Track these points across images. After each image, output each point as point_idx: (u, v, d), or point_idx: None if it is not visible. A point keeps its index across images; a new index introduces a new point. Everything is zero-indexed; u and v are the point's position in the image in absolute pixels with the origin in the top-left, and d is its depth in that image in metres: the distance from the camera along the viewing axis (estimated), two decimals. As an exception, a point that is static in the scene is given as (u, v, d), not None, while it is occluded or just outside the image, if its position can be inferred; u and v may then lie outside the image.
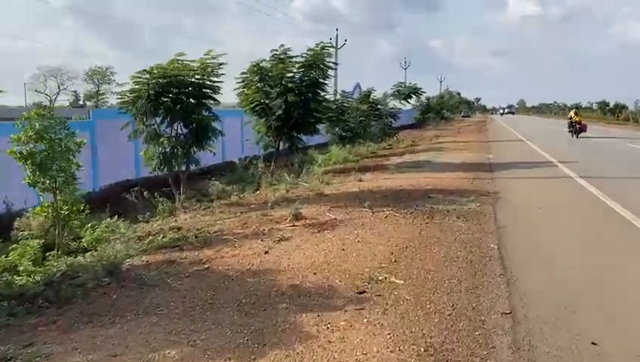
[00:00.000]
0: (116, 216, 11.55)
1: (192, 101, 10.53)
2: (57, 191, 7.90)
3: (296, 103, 15.14)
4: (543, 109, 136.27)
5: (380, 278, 5.14)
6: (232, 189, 12.74)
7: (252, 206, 10.15)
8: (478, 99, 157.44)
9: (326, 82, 16.18)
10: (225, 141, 20.49)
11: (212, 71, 10.88)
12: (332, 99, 22.34)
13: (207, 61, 10.78)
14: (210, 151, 11.35)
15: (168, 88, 10.17)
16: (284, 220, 8.28)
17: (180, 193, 10.96)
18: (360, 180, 12.83)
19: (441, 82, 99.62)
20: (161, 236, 7.92)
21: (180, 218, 9.74)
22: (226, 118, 20.36)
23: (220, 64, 10.95)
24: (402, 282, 5.03)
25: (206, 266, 5.86)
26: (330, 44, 15.87)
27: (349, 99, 23.97)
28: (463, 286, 4.97)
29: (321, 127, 24.05)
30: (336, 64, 16.07)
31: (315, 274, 5.35)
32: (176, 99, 10.45)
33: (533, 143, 24.29)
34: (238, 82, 15.67)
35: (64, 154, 7.87)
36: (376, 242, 6.62)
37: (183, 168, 10.89)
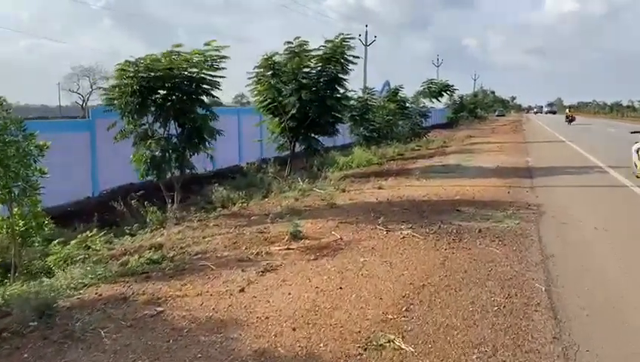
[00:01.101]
0: (96, 228, 10.42)
1: (186, 98, 9.23)
2: (13, 203, 6.75)
3: (312, 101, 13.74)
4: (581, 108, 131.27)
5: (382, 341, 3.68)
6: (237, 196, 11.48)
7: (253, 218, 8.82)
8: (513, 98, 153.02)
9: (346, 77, 14.71)
10: (242, 141, 19.38)
11: (212, 64, 9.57)
12: (355, 96, 20.84)
13: (208, 53, 9.48)
14: (208, 154, 10.05)
15: (158, 83, 8.91)
16: (281, 240, 6.89)
17: (172, 202, 9.70)
18: (380, 187, 11.34)
19: (474, 80, 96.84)
20: (137, 256, 6.65)
21: (168, 232, 8.47)
22: (244, 116, 19.24)
23: (222, 57, 9.64)
24: (412, 350, 3.56)
25: (160, 309, 4.51)
26: (350, 36, 14.38)
27: (375, 97, 22.34)
28: (499, 359, 3.46)
29: (344, 127, 22.84)
30: (356, 57, 14.53)
31: (294, 330, 3.92)
32: (168, 95, 9.19)
33: (575, 144, 22.23)
34: (250, 77, 14.39)
35: (22, 160, 6.70)
36: (385, 277, 5.15)
37: (177, 173, 9.61)
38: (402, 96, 27.35)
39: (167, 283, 5.38)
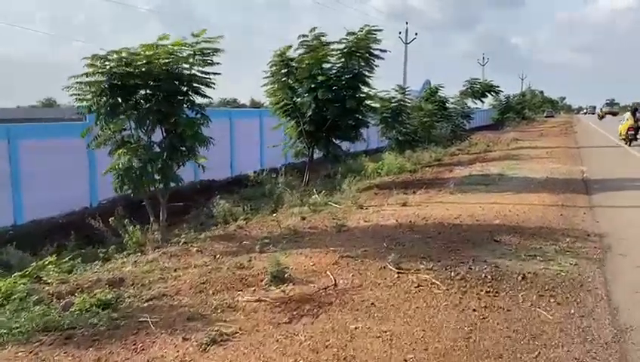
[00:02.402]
0: (71, 249, 9.22)
1: (170, 99, 7.78)
2: None
3: (330, 101, 12.12)
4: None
5: None
6: (240, 211, 10.02)
7: (244, 242, 7.33)
8: (563, 98, 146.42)
9: (371, 75, 13.01)
10: (263, 146, 17.96)
11: (204, 59, 8.09)
12: (387, 96, 19.08)
13: (198, 45, 8.01)
14: (199, 165, 8.60)
15: (135, 80, 7.50)
16: (259, 282, 5.33)
17: (153, 220, 8.29)
18: (404, 203, 9.60)
19: (522, 80, 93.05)
20: (87, 295, 5.28)
21: (144, 258, 7.10)
22: (265, 118, 17.83)
23: (216, 50, 8.15)
24: None
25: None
26: (377, 28, 12.65)
27: (409, 96, 20.43)
28: None
29: (375, 130, 21.09)
30: (383, 51, 12.83)
31: None
32: (148, 95, 7.78)
33: (632, 149, 19.67)
34: (265, 76, 12.92)
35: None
36: (379, 363, 3.49)
37: (161, 186, 8.17)
38: (442, 95, 25.37)
39: (80, 353, 3.91)
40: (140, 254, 7.50)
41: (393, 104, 19.29)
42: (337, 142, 13.45)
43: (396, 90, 19.81)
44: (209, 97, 8.54)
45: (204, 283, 5.49)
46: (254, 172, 12.54)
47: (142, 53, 7.76)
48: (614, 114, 58.30)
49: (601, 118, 56.71)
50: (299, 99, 12.49)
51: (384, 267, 5.61)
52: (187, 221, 10.71)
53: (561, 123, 56.62)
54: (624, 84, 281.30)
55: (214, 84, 8.43)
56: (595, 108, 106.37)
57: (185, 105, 8.10)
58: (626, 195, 10.01)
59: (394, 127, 19.55)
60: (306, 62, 12.37)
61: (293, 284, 5.17)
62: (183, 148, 8.06)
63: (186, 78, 8.03)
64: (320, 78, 11.95)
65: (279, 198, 11.06)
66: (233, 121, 17.43)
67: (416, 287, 4.97)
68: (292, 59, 12.47)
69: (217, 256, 6.68)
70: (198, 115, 8.30)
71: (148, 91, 7.69)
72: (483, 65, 69.54)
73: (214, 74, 8.40)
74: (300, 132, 13.11)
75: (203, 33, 8.03)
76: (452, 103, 26.83)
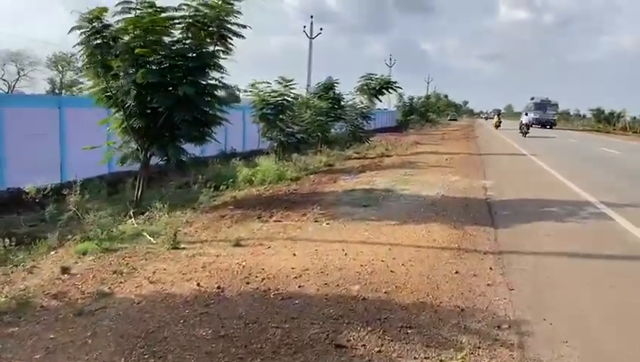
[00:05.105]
0: None
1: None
2: None
3: (155, 87, 8.72)
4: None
5: None
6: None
7: None
8: (466, 103, 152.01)
9: (225, 56, 9.77)
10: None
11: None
12: (267, 89, 15.94)
13: None
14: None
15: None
16: None
17: None
18: (237, 243, 6.42)
19: (428, 83, 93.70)
20: None
21: None
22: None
23: None
24: None
25: None
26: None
27: (294, 91, 17.25)
28: None
29: (255, 128, 17.83)
30: (243, 26, 9.62)
31: None
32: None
33: (540, 160, 18.00)
34: (79, 50, 9.25)
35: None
36: None
37: None
38: (337, 93, 22.61)
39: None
40: None
41: (274, 99, 16.16)
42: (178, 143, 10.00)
43: (279, 83, 16.63)
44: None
45: None
46: (75, 182, 8.54)
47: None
48: (551, 124, 55.97)
49: (497, 125, 52.94)
50: (114, 82, 8.94)
51: None
52: None
53: (464, 126, 56.76)
54: (522, 91, 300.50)
55: None
56: (500, 112, 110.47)
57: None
58: (543, 228, 7.46)
59: (276, 125, 16.41)
60: (131, 33, 8.87)
61: None
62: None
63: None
64: (139, 51, 8.47)
65: (64, 227, 7.46)
66: (64, 111, 13.40)
67: None
68: (108, 27, 8.90)
69: None
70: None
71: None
72: (390, 67, 68.80)
73: None
74: (124, 129, 9.57)
75: None
76: (350, 101, 24.22)
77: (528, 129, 34.90)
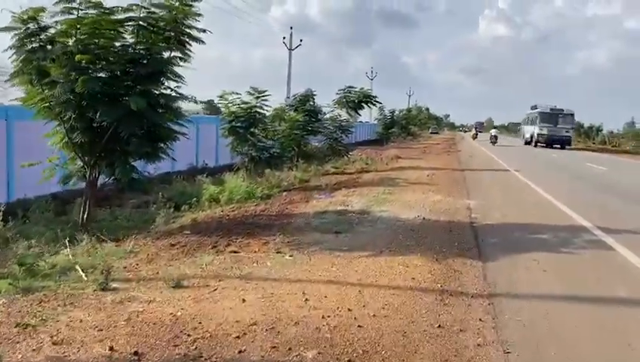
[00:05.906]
0: None
1: None
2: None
3: (100, 97, 7.67)
4: (510, 128, 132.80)
5: None
6: None
7: None
8: (447, 116, 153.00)
9: (181, 63, 8.76)
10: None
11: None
12: (236, 101, 14.97)
13: None
14: None
15: None
16: None
17: None
18: (178, 284, 5.34)
19: (409, 96, 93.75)
20: None
21: None
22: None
23: None
24: None
25: None
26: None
27: (267, 103, 16.25)
28: None
29: (225, 142, 16.75)
30: (202, 30, 8.50)
31: None
32: None
33: (524, 176, 17.23)
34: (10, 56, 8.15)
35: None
36: None
37: None
38: (314, 105, 21.65)
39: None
40: None
41: (245, 111, 15.17)
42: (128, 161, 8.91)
43: (251, 94, 15.64)
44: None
45: None
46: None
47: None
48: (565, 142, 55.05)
49: (474, 137, 57.60)
50: (50, 90, 7.85)
51: None
52: None
53: (445, 140, 56.28)
54: (501, 104, 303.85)
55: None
56: (482, 124, 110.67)
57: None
58: (536, 261, 6.50)
59: (247, 139, 15.41)
60: (73, 36, 7.83)
61: None
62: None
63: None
64: (79, 57, 7.40)
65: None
66: (12, 124, 12.20)
67: None
68: (45, 29, 7.84)
69: None
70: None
71: None
72: (372, 80, 68.42)
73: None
74: (66, 144, 8.47)
75: None
76: (328, 113, 23.31)
77: (496, 139, 42.63)
